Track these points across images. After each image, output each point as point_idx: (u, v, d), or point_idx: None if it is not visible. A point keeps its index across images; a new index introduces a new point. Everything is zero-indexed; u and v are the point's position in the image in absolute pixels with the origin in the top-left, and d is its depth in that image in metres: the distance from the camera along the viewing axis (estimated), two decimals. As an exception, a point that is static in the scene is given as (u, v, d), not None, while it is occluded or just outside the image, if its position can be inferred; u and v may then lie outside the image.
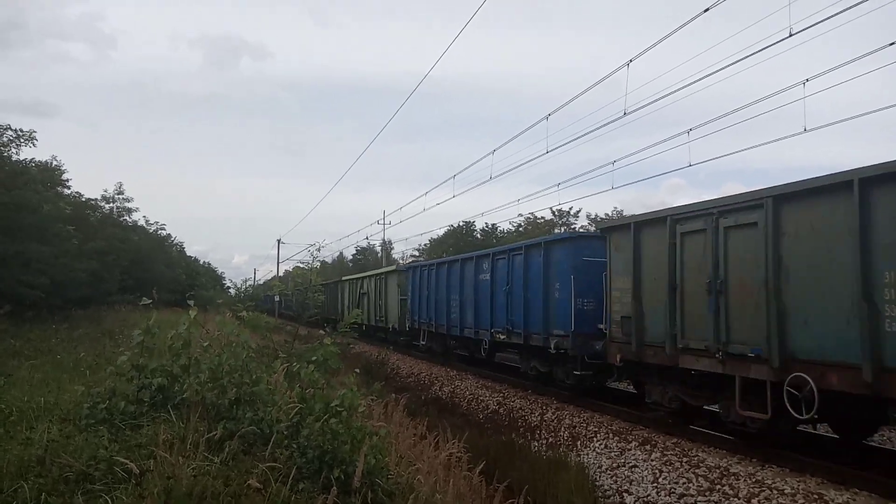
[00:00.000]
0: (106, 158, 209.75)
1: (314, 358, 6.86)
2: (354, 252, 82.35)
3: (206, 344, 6.02)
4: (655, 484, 8.69)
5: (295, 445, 4.94)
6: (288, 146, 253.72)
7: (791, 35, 10.76)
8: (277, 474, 4.40)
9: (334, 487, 4.32)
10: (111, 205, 39.37)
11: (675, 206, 12.85)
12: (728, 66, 12.84)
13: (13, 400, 6.79)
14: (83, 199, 32.45)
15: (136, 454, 4.50)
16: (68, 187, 28.92)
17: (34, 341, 14.82)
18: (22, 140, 21.63)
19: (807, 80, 12.73)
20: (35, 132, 21.79)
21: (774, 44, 11.27)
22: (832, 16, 10.30)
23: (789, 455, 8.87)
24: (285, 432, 5.11)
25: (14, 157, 21.72)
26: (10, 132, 21.46)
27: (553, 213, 55.34)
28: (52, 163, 26.93)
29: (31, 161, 23.67)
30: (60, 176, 27.42)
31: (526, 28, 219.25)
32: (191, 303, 6.58)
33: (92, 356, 11.97)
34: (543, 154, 20.24)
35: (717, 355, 9.56)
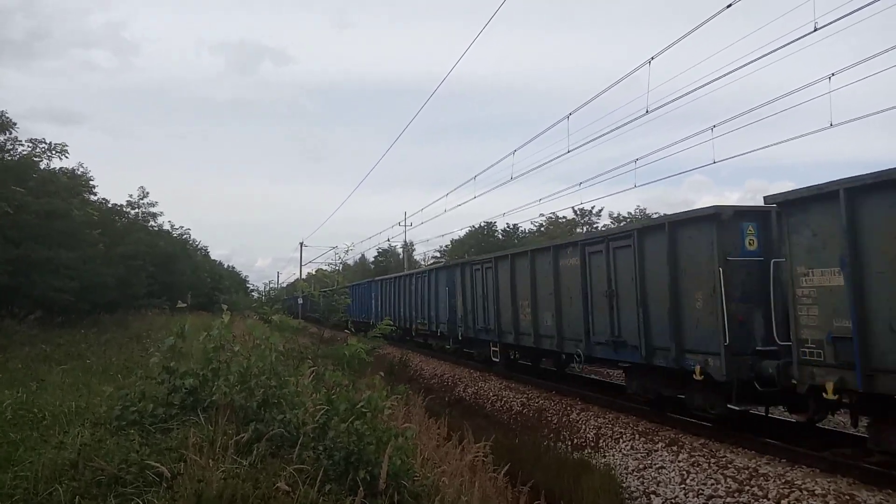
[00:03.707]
0: (131, 164, 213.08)
1: (344, 354, 6.87)
2: (376, 254, 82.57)
3: (236, 348, 6.09)
4: (683, 485, 8.61)
5: (321, 447, 4.98)
6: (309, 149, 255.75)
7: (816, 30, 10.62)
8: (305, 476, 4.44)
9: (361, 489, 4.35)
10: (136, 210, 39.84)
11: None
12: (752, 62, 12.71)
13: (46, 404, 6.92)
14: (109, 205, 32.89)
15: (166, 457, 4.57)
16: (95, 193, 29.34)
17: (64, 346, 15.05)
18: (54, 152, 22.00)
19: (832, 74, 12.55)
20: (66, 146, 22.12)
21: (799, 38, 11.13)
22: (858, 9, 10.15)
23: (820, 455, 8.74)
24: (312, 434, 5.15)
25: (43, 166, 22.10)
26: (42, 145, 21.86)
27: (575, 212, 55.17)
28: (78, 169, 27.40)
29: (59, 169, 24.06)
30: (87, 182, 27.86)
31: (546, 28, 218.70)
32: (224, 307, 6.66)
33: (121, 360, 12.15)
34: (565, 153, 20.20)
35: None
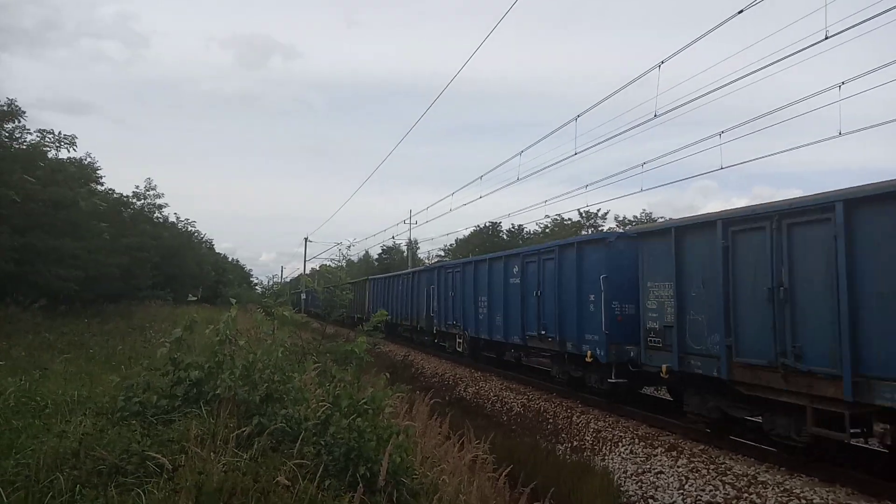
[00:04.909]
0: (138, 155, 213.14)
1: (349, 348, 6.86)
2: (380, 251, 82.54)
3: (241, 342, 6.11)
4: (681, 491, 8.61)
5: (322, 443, 4.99)
6: (316, 145, 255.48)
7: (827, 37, 10.59)
8: (305, 471, 4.45)
9: (361, 485, 4.36)
10: (142, 201, 39.88)
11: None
12: (762, 68, 12.70)
13: (48, 393, 6.94)
14: (115, 196, 32.96)
15: (167, 449, 4.59)
16: (101, 184, 29.40)
17: (67, 335, 15.07)
18: (63, 144, 22.01)
19: (843, 83, 12.53)
20: (76, 137, 22.12)
21: (810, 46, 11.10)
22: (869, 18, 10.12)
23: (819, 465, 8.73)
24: (313, 430, 5.16)
25: (51, 156, 22.16)
26: (50, 136, 21.88)
27: (580, 214, 55.01)
28: (86, 159, 27.50)
29: (67, 159, 24.14)
30: (94, 172, 27.94)
31: (557, 29, 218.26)
32: (233, 300, 6.67)
33: (125, 351, 12.18)
34: (572, 155, 20.12)
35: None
